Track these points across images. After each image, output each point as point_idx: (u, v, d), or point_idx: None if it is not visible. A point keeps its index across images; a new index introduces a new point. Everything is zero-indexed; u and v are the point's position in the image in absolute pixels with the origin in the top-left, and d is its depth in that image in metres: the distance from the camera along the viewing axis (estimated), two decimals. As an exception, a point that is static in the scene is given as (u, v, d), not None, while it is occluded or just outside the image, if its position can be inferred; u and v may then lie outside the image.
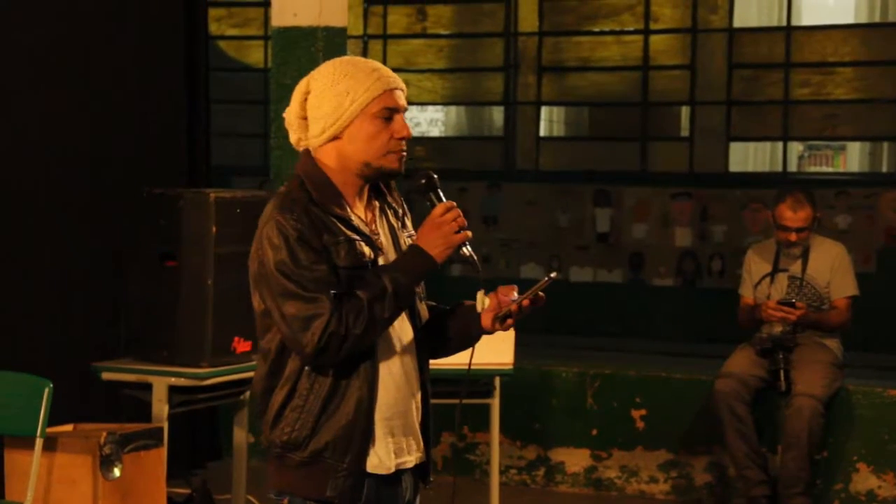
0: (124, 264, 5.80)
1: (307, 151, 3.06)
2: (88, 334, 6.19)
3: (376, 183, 3.09)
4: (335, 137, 2.99)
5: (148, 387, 5.51)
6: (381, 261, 3.02)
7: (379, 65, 3.03)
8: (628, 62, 10.75)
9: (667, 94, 10.79)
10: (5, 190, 6.05)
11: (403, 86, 3.04)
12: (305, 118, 3.03)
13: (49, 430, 4.71)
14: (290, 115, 3.06)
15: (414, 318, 3.08)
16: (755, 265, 6.53)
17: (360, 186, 3.05)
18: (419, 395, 3.09)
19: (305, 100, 3.02)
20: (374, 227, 3.05)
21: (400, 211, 3.14)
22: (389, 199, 3.13)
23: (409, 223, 3.16)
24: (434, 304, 3.18)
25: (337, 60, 3.05)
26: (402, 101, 3.02)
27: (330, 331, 2.87)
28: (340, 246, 2.94)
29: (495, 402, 5.78)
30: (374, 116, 2.97)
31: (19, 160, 6.11)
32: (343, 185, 3.01)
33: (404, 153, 3.02)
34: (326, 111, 2.98)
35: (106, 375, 5.61)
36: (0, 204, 6.02)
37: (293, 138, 3.07)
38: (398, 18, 11.33)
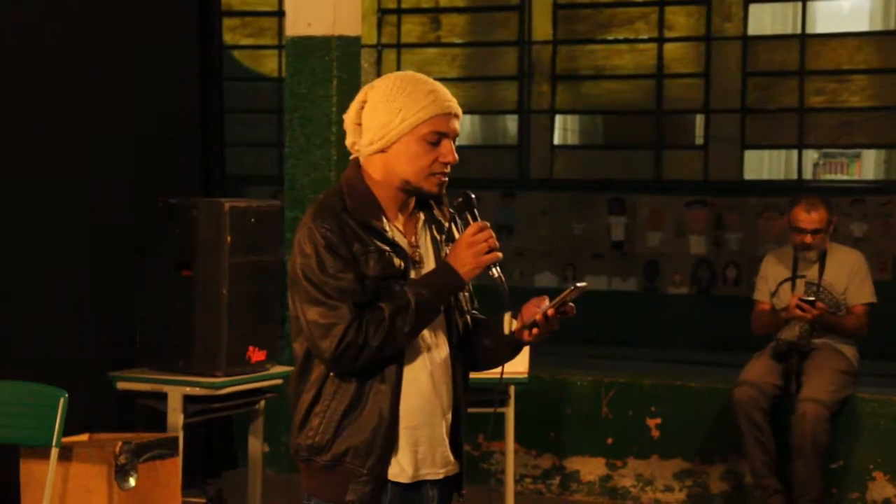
0: (139, 274, 5.80)
1: (356, 161, 3.09)
2: (103, 344, 6.20)
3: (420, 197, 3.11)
4: (382, 150, 3.02)
5: (163, 396, 5.51)
6: (415, 273, 3.04)
7: (439, 87, 3.06)
8: (642, 70, 10.73)
9: (681, 103, 10.76)
10: (19, 200, 6.06)
11: (459, 111, 3.06)
12: (359, 124, 3.06)
13: (64, 439, 4.72)
14: (348, 118, 3.10)
15: (450, 331, 3.09)
16: (771, 271, 6.53)
17: (404, 199, 3.08)
18: (451, 408, 3.09)
19: (362, 108, 3.06)
20: (413, 239, 3.08)
21: (446, 225, 3.15)
22: (436, 212, 3.14)
23: (458, 236, 3.15)
24: (483, 317, 3.20)
25: (400, 75, 3.08)
26: (455, 126, 3.05)
27: (348, 340, 2.90)
28: (370, 256, 2.97)
29: (510, 411, 5.78)
30: (422, 138, 3.00)
31: (33, 170, 6.12)
32: (385, 197, 3.05)
33: (446, 177, 3.06)
34: (377, 124, 3.01)
35: (121, 385, 5.62)
36: (14, 214, 6.03)
37: (348, 141, 3.11)
38: (412, 27, 11.33)
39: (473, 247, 2.99)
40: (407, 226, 3.09)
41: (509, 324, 3.07)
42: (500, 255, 3.01)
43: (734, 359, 7.11)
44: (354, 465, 2.98)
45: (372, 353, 2.92)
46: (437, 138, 3.01)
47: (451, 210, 3.16)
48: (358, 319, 2.91)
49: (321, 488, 3.03)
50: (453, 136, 3.05)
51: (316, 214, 2.99)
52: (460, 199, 3.09)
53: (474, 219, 3.07)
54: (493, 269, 3.01)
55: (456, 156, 3.04)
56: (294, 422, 3.06)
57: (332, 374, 2.98)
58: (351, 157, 3.12)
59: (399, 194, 3.06)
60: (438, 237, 3.13)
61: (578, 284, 3.03)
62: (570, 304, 3.02)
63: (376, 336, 2.91)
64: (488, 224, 3.04)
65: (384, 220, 3.03)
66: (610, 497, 6.89)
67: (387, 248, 2.99)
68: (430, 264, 3.08)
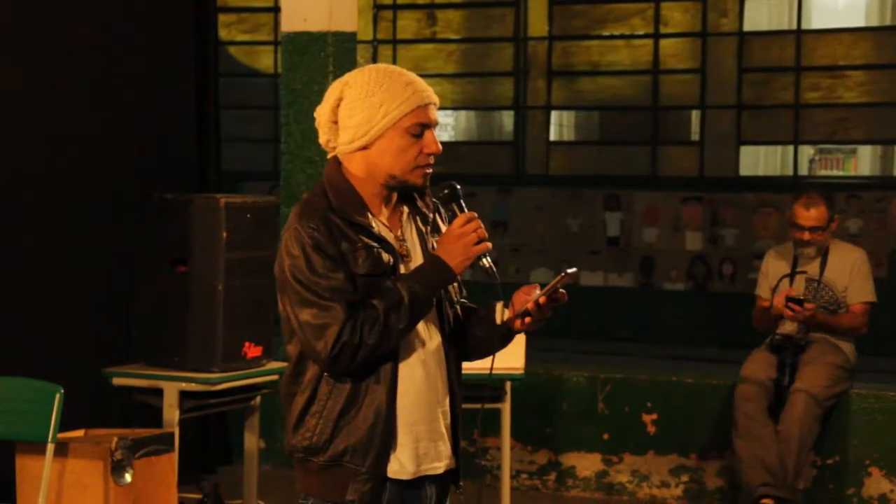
0: (135, 270, 5.80)
1: (335, 159, 3.06)
2: (100, 340, 6.20)
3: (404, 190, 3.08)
4: (364, 147, 2.99)
5: (159, 392, 5.52)
6: (403, 267, 3.01)
7: (414, 77, 3.03)
8: (638, 66, 10.73)
9: (677, 98, 10.77)
10: (17, 196, 6.06)
11: (437, 100, 3.04)
12: (336, 122, 3.03)
13: (60, 435, 4.71)
14: (321, 116, 3.06)
15: (442, 323, 3.07)
16: (773, 267, 6.52)
17: (387, 194, 3.05)
18: (447, 401, 3.08)
19: (338, 105, 3.02)
20: (399, 233, 3.05)
21: (430, 216, 3.12)
22: (419, 203, 3.11)
23: (443, 227, 3.13)
24: (473, 306, 3.17)
25: (373, 69, 3.04)
26: (435, 116, 3.02)
27: (343, 340, 2.88)
28: (358, 253, 2.94)
29: (506, 407, 5.78)
30: (406, 131, 2.98)
31: (30, 166, 6.12)
32: (368, 194, 3.02)
33: (430, 169, 3.04)
34: (358, 121, 2.98)
35: (117, 381, 5.63)
36: (11, 210, 6.03)
37: (322, 139, 3.08)
38: (408, 23, 11.33)
39: (462, 238, 2.97)
40: (391, 220, 3.06)
41: (501, 313, 3.05)
42: (489, 245, 2.99)
43: (730, 355, 7.11)
44: (353, 463, 2.96)
45: (368, 351, 2.90)
46: (420, 130, 2.99)
47: (434, 200, 3.13)
48: (352, 319, 2.88)
49: (320, 488, 3.01)
50: (434, 125, 3.03)
51: (301, 215, 2.96)
52: (446, 191, 3.05)
53: (461, 210, 3.03)
54: (484, 260, 2.98)
55: (439, 145, 3.02)
56: (288, 423, 3.03)
57: (326, 374, 2.96)
58: (329, 156, 3.08)
59: (382, 189, 3.03)
60: (424, 229, 3.10)
61: (569, 271, 3.00)
62: (562, 290, 2.99)
63: (371, 334, 2.89)
64: (476, 214, 3.01)
65: (369, 216, 3.00)
66: (606, 493, 6.89)
67: (375, 245, 2.97)
68: (417, 257, 3.06)
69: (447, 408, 3.08)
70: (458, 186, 3.06)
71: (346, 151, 3.02)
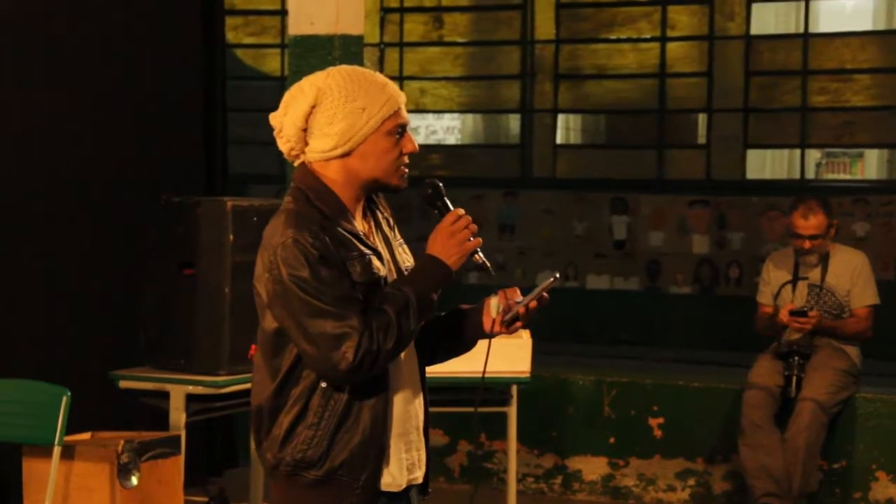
0: (142, 272, 5.80)
1: (304, 165, 2.99)
2: (106, 342, 6.20)
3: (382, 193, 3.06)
4: (346, 154, 2.94)
5: (165, 395, 5.51)
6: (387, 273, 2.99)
7: (385, 78, 2.99)
8: (645, 69, 10.73)
9: (684, 102, 10.76)
10: (23, 198, 6.06)
11: (405, 99, 3.00)
12: (305, 129, 2.96)
13: (67, 438, 4.72)
14: (288, 125, 2.97)
15: None
16: (773, 273, 6.51)
17: (360, 199, 3.00)
18: (421, 407, 3.06)
19: (311, 111, 2.94)
20: (372, 239, 3.01)
21: (391, 220, 3.10)
22: (381, 207, 3.09)
23: (397, 231, 3.12)
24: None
25: (342, 71, 2.97)
26: (407, 116, 2.99)
27: (364, 349, 2.81)
28: (356, 261, 2.90)
29: (512, 410, 5.78)
30: (388, 134, 2.93)
31: (37, 169, 6.13)
32: (346, 198, 2.96)
33: (407, 169, 3.00)
34: (341, 128, 2.91)
35: (124, 384, 5.62)
36: (18, 212, 6.04)
37: (285, 148, 3.00)
38: (415, 26, 11.33)
39: (455, 236, 2.92)
40: (364, 226, 3.01)
41: (496, 307, 3.01)
42: (480, 240, 2.95)
43: (737, 358, 7.10)
44: (349, 478, 2.91)
45: (387, 357, 2.85)
46: (401, 131, 2.95)
47: (386, 203, 3.10)
48: (368, 327, 2.83)
49: (311, 503, 2.94)
50: (408, 125, 2.99)
51: (296, 225, 2.87)
52: (429, 191, 3.00)
53: (446, 207, 2.99)
54: (477, 255, 2.96)
55: (416, 144, 2.98)
56: (273, 435, 2.94)
57: (320, 386, 2.89)
58: (296, 163, 3.01)
59: (360, 194, 2.98)
60: (389, 233, 3.07)
61: (556, 275, 3.02)
62: (545, 294, 2.97)
63: (388, 339, 2.83)
64: (463, 211, 2.97)
65: (354, 223, 2.96)
66: (612, 496, 6.88)
67: (368, 252, 2.93)
68: (388, 263, 3.01)
69: (422, 414, 3.05)
70: (441, 185, 3.01)
71: (323, 159, 2.95)
